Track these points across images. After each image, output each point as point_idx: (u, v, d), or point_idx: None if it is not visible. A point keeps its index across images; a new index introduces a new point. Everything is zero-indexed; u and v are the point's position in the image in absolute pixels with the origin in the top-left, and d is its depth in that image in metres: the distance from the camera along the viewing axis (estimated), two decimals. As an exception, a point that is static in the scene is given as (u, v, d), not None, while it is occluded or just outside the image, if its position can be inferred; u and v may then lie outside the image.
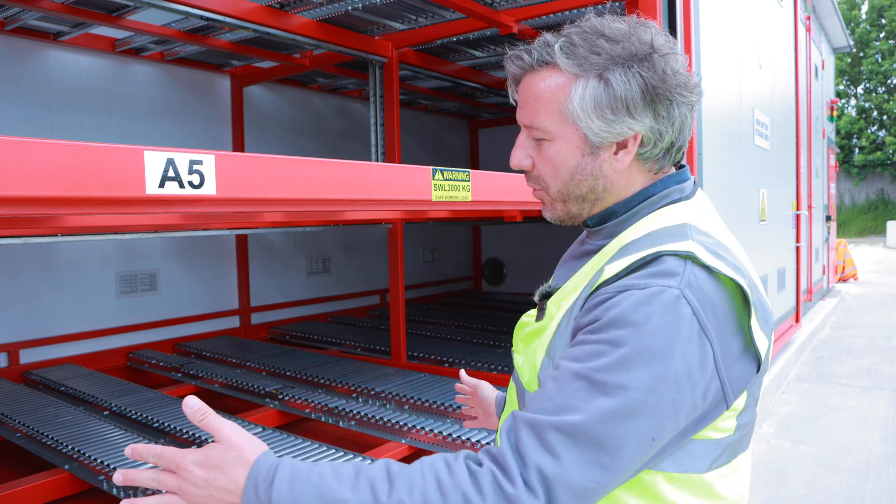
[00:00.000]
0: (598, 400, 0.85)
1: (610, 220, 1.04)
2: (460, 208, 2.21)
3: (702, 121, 3.83)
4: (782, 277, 6.16)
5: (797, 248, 6.87)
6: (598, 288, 0.93)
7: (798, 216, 6.86)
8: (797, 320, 6.88)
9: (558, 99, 0.96)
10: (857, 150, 29.23)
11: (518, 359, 1.09)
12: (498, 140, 9.06)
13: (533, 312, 1.11)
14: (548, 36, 1.00)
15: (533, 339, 1.04)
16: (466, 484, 0.84)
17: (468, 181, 2.16)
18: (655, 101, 0.94)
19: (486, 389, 1.49)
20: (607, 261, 0.97)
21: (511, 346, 1.16)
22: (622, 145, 0.98)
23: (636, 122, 0.95)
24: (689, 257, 0.91)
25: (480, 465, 0.88)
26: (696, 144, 3.72)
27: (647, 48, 0.94)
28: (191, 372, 4.62)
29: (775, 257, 5.90)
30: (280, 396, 3.93)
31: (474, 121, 9.20)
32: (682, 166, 1.09)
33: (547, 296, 1.06)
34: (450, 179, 2.07)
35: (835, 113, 10.48)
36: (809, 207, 7.94)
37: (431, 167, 2.07)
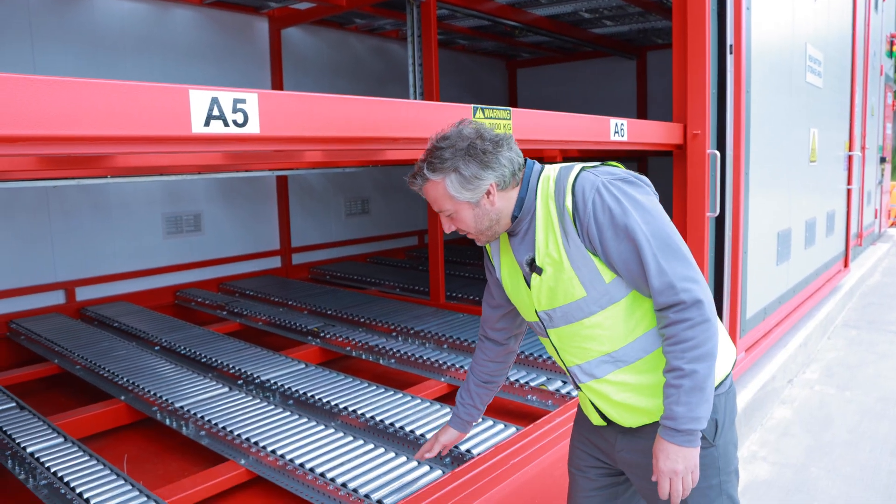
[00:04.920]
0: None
1: (523, 206, 1.55)
2: (500, 148, 2.18)
3: (750, 57, 3.67)
4: (831, 221, 5.99)
5: (848, 191, 6.64)
6: (574, 213, 1.49)
7: (850, 157, 6.61)
8: (846, 265, 6.71)
9: (442, 192, 1.50)
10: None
11: (546, 300, 1.58)
12: (537, 80, 8.85)
13: (535, 279, 1.56)
14: (419, 163, 1.52)
15: (551, 280, 1.53)
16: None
17: (509, 119, 2.13)
18: (489, 164, 1.47)
19: (450, 436, 1.92)
20: (557, 203, 1.50)
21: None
22: (488, 193, 1.50)
23: (485, 180, 1.48)
24: (584, 167, 1.54)
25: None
26: (745, 83, 3.59)
27: (466, 141, 1.47)
28: (235, 310, 4.76)
29: (824, 200, 5.72)
30: (322, 334, 4.04)
31: (513, 60, 8.98)
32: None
33: (532, 262, 1.56)
34: (491, 118, 2.05)
35: (894, 48, 9.93)
36: (863, 148, 7.63)
37: (472, 105, 2.05)
